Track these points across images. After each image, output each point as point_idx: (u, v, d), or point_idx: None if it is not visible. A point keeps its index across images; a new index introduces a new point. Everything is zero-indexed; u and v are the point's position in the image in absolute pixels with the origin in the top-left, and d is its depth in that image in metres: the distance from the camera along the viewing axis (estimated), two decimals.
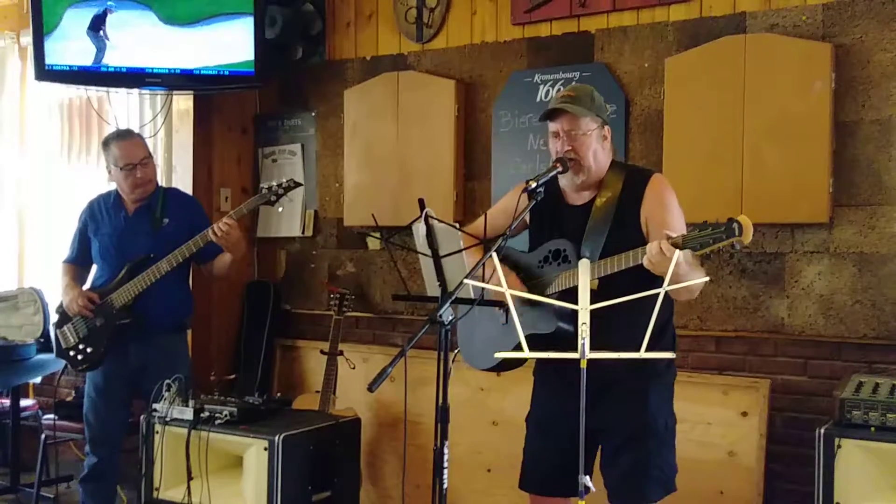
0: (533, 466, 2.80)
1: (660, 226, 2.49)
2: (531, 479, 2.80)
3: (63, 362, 3.92)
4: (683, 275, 2.25)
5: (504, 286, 1.98)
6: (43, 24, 4.24)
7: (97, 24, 4.24)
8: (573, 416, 2.60)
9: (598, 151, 2.63)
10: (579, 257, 2.58)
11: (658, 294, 1.97)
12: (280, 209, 3.69)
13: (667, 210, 2.56)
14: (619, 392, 2.56)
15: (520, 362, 2.70)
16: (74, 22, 4.23)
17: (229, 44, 4.30)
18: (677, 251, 2.11)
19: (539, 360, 2.82)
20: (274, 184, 3.55)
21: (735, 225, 2.06)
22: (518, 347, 2.62)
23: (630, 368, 2.49)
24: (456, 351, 2.87)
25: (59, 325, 3.80)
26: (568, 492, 2.73)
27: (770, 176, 3.39)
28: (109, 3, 4.24)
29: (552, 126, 2.64)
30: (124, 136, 3.82)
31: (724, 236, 2.07)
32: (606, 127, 2.67)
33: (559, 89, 3.88)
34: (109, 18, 4.23)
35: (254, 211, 3.81)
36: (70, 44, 4.24)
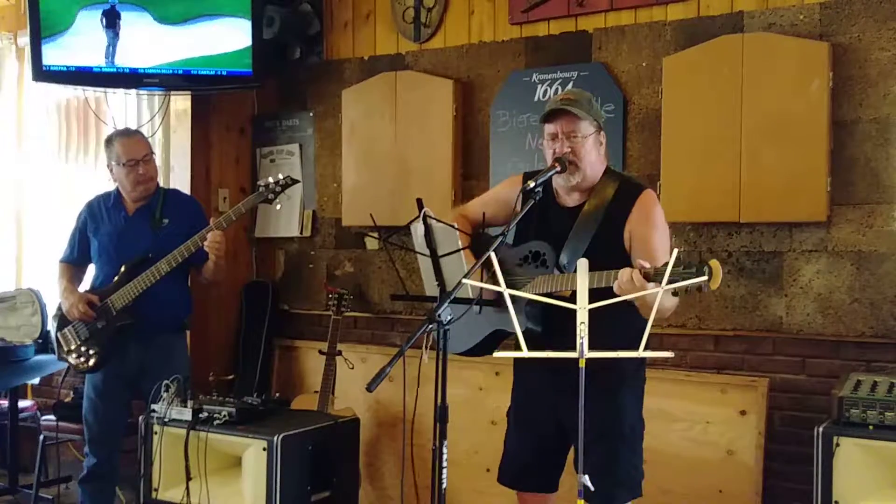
0: (509, 461, 2.84)
1: (642, 242, 2.52)
2: (507, 473, 2.83)
3: (66, 364, 3.91)
4: (651, 300, 2.27)
5: (503, 286, 1.98)
6: (40, 25, 4.24)
7: (111, 21, 4.25)
8: (548, 414, 2.65)
9: (594, 156, 2.65)
10: (557, 263, 2.60)
11: (656, 294, 1.99)
12: (278, 206, 3.69)
13: (652, 227, 2.58)
14: (589, 392, 2.56)
15: (492, 348, 2.70)
16: (87, 21, 4.25)
17: (226, 44, 4.30)
18: (660, 287, 2.15)
19: (516, 358, 2.83)
20: (271, 181, 3.56)
21: (706, 268, 2.14)
22: (492, 336, 2.65)
23: (600, 369, 2.50)
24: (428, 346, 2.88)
25: (59, 327, 3.79)
26: (541, 487, 2.77)
27: (768, 175, 3.39)
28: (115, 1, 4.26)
29: (550, 128, 2.65)
30: (127, 134, 3.87)
31: (693, 276, 2.15)
32: (602, 133, 2.69)
33: (557, 89, 3.88)
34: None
35: (252, 210, 3.81)
36: (85, 43, 4.26)
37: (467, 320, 2.77)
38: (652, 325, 2.03)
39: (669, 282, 2.16)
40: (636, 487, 2.66)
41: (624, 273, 2.30)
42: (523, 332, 2.51)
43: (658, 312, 2.07)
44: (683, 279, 2.14)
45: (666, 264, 2.21)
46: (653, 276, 2.24)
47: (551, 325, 2.55)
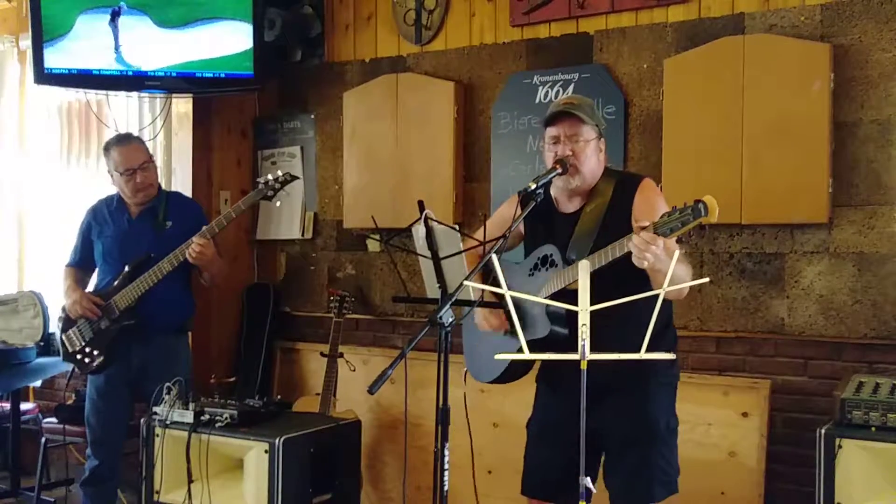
0: (535, 472, 2.80)
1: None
2: (533, 485, 2.80)
3: (70, 366, 3.92)
4: (664, 267, 2.27)
5: (504, 288, 1.98)
6: (42, 29, 4.25)
7: (114, 18, 4.28)
8: (574, 420, 2.63)
9: (594, 161, 2.66)
10: (565, 260, 2.60)
11: (658, 294, 1.99)
12: (278, 203, 3.68)
13: (655, 213, 2.57)
14: (618, 393, 2.57)
15: (524, 372, 2.70)
16: (87, 26, 4.26)
17: (227, 46, 4.30)
18: (676, 251, 2.15)
19: (541, 367, 2.83)
20: (270, 178, 3.56)
21: (701, 205, 2.14)
22: (518, 360, 2.64)
23: (628, 369, 2.50)
24: (465, 371, 2.90)
25: (64, 329, 3.80)
26: (571, 497, 2.74)
27: (769, 176, 3.39)
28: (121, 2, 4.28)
29: (553, 130, 2.65)
30: (124, 142, 3.82)
31: (692, 217, 2.15)
32: (602, 140, 2.71)
33: (558, 91, 3.89)
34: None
35: (253, 212, 3.81)
36: (85, 46, 4.27)
37: (495, 346, 2.77)
38: (653, 326, 2.03)
39: (671, 230, 2.18)
40: (672, 483, 2.65)
41: (635, 238, 2.26)
42: (548, 336, 2.54)
43: (673, 282, 2.04)
44: (683, 224, 2.16)
45: (664, 215, 2.23)
46: (653, 231, 2.23)
47: (574, 326, 2.55)
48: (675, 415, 2.72)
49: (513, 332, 2.75)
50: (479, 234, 2.84)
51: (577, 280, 2.48)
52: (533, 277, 2.70)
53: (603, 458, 2.68)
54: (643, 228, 2.25)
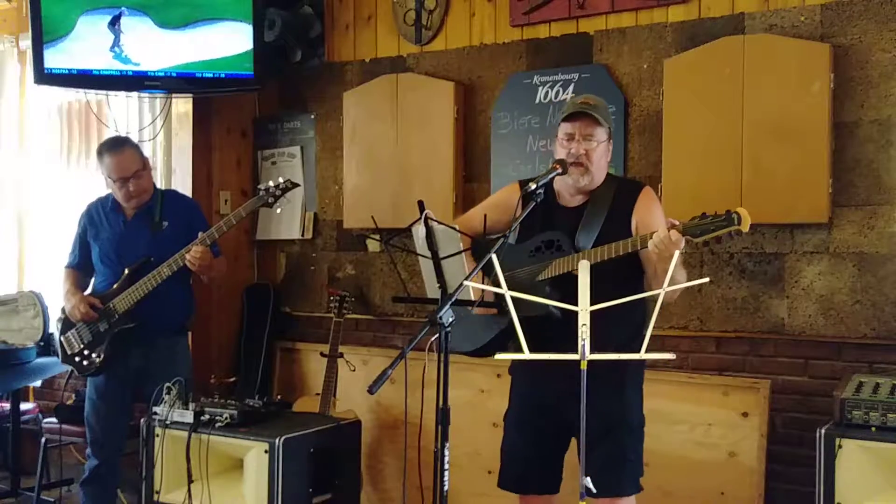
0: (511, 464, 2.84)
1: (649, 230, 2.57)
2: (509, 477, 2.83)
3: (69, 367, 3.92)
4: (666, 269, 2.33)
5: (504, 288, 1.98)
6: (42, 29, 4.25)
7: (115, 21, 4.29)
8: (550, 412, 2.67)
9: (603, 162, 2.73)
10: (574, 246, 2.63)
11: (652, 295, 2.01)
12: (278, 210, 3.68)
13: (659, 216, 2.69)
14: (594, 387, 2.57)
15: (501, 349, 2.71)
16: (88, 27, 4.27)
17: (227, 47, 4.31)
18: (676, 252, 2.18)
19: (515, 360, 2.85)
20: (271, 185, 3.55)
21: (735, 215, 2.24)
22: (502, 334, 2.66)
23: (604, 366, 2.51)
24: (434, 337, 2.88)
25: (63, 331, 3.79)
26: (546, 488, 2.77)
27: (769, 176, 3.39)
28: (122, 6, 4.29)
29: (568, 127, 2.69)
30: (116, 149, 3.72)
31: (726, 224, 2.25)
32: (611, 142, 2.76)
33: (558, 91, 3.89)
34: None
35: (253, 213, 3.81)
36: (85, 47, 4.28)
37: (476, 318, 2.78)
38: (653, 326, 2.03)
39: (701, 233, 2.27)
40: (638, 483, 2.70)
41: (660, 231, 2.36)
42: (544, 317, 2.53)
43: (671, 284, 2.08)
44: (716, 229, 2.24)
45: (695, 217, 2.31)
46: (683, 231, 2.31)
47: (566, 316, 2.56)
48: (643, 413, 2.76)
49: (502, 314, 2.74)
50: (472, 217, 2.87)
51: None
52: (534, 258, 2.72)
53: (575, 449, 2.70)
54: (673, 227, 2.33)
